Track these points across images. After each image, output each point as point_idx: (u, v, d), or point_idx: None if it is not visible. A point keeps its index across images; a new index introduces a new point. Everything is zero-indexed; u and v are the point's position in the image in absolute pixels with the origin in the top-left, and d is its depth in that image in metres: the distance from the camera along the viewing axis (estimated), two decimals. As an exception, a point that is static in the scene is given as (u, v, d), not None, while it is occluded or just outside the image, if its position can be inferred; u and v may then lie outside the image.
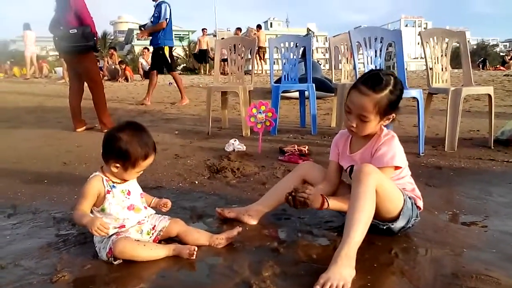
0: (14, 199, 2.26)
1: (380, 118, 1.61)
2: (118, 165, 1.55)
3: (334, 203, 1.66)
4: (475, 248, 1.61)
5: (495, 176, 2.68)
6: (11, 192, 2.38)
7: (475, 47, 53.49)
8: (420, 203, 1.76)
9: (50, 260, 1.54)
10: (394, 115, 1.65)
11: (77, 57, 4.41)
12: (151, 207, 1.73)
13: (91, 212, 1.56)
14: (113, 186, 1.58)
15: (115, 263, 1.48)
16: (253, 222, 1.88)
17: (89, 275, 1.43)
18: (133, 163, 1.55)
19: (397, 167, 1.64)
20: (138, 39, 7.25)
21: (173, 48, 7.55)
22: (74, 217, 1.54)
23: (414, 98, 3.35)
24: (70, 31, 4.25)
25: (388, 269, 1.45)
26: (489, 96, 3.50)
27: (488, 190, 2.36)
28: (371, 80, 1.60)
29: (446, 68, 3.75)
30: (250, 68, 4.91)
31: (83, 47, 4.32)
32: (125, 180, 1.62)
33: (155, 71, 7.25)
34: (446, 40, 3.71)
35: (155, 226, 1.66)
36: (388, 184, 1.58)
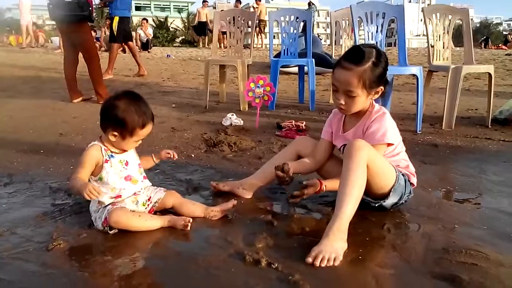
0: (10, 169, 2.26)
1: (367, 92, 1.60)
2: (116, 133, 1.55)
3: (331, 185, 1.68)
4: (466, 225, 1.63)
5: (491, 155, 2.69)
6: (7, 162, 2.38)
7: (478, 25, 52.72)
8: (414, 180, 1.77)
9: (46, 228, 1.55)
10: (382, 87, 1.63)
11: (71, 26, 4.32)
12: (157, 162, 1.78)
13: (89, 181, 1.57)
14: (111, 156, 1.58)
15: (111, 232, 1.50)
16: (248, 195, 1.89)
17: (85, 244, 1.45)
18: (130, 132, 1.55)
19: (389, 144, 1.64)
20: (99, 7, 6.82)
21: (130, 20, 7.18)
22: (69, 184, 1.54)
23: (414, 75, 3.33)
24: None
25: (380, 243, 1.48)
26: (489, 75, 3.47)
27: (483, 168, 2.38)
28: (353, 55, 1.59)
29: (447, 45, 3.70)
30: (250, 42, 4.83)
31: (78, 16, 4.23)
32: (124, 150, 1.62)
33: (113, 43, 6.95)
34: (449, 17, 3.65)
35: (150, 197, 1.67)
36: (380, 159, 1.58)
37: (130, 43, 7.31)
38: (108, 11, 5.24)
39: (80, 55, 4.51)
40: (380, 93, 1.64)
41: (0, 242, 1.44)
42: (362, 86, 1.57)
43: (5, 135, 3.03)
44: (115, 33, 6.75)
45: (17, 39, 15.87)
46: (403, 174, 1.70)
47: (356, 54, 1.58)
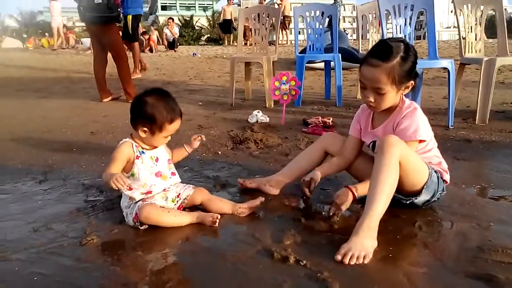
0: (45, 166, 2.34)
1: (397, 88, 1.54)
2: (145, 129, 1.57)
3: (362, 190, 1.60)
4: (503, 222, 1.57)
5: (527, 150, 2.58)
6: (42, 160, 2.47)
7: (512, 15, 50.63)
8: (447, 177, 1.71)
9: (79, 224, 1.60)
10: (412, 82, 1.57)
11: (100, 27, 4.42)
12: (190, 152, 1.83)
13: None
14: (142, 152, 1.61)
15: (141, 228, 1.53)
16: (275, 192, 1.89)
17: (116, 239, 1.48)
18: (159, 127, 1.57)
19: (421, 141, 1.59)
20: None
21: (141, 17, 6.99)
22: (102, 179, 1.57)
23: (445, 68, 3.23)
24: (95, 1, 4.26)
25: (411, 241, 1.44)
26: (526, 66, 3.32)
27: (519, 164, 2.28)
28: (379, 50, 1.53)
29: (480, 37, 3.57)
30: (275, 38, 4.81)
31: (107, 17, 4.32)
32: (154, 147, 1.65)
33: (133, 42, 6.91)
34: (481, 7, 3.51)
35: (179, 194, 1.70)
36: (413, 156, 1.54)
37: (135, 43, 7.08)
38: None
39: (109, 55, 4.62)
40: (410, 88, 1.59)
41: (36, 237, 1.50)
42: (392, 83, 1.52)
43: (40, 134, 3.14)
44: (130, 31, 6.68)
45: (49, 41, 16.42)
46: (435, 171, 1.65)
47: (383, 50, 1.53)
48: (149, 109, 1.56)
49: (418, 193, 1.61)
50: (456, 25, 3.68)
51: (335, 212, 1.59)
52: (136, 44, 6.99)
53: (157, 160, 1.65)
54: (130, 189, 1.58)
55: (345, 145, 1.84)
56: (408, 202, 1.63)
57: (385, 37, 3.72)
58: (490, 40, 8.95)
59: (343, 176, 2.01)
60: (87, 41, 13.73)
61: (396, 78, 1.52)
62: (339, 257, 1.28)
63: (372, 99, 1.58)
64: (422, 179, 1.59)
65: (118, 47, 4.60)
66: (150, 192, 1.61)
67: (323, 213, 1.63)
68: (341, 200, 1.59)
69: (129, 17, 6.58)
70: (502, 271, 1.21)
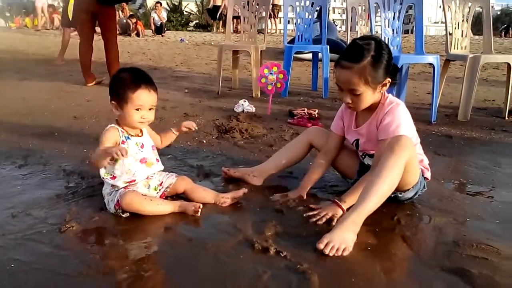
0: (25, 150, 2.30)
1: (372, 87, 1.53)
2: (114, 102, 1.58)
3: (351, 200, 1.54)
4: (478, 218, 1.61)
5: (506, 147, 2.64)
6: (22, 144, 2.42)
7: (498, 12, 51.23)
8: (428, 174, 1.74)
9: (59, 210, 1.58)
10: (389, 79, 1.57)
11: (108, 9, 4.45)
12: (176, 135, 1.81)
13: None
14: (128, 138, 1.60)
15: (123, 215, 1.53)
16: (258, 183, 1.89)
17: (97, 227, 1.47)
18: (125, 99, 1.55)
19: None
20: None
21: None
22: (92, 158, 1.56)
23: (430, 64, 3.26)
24: None
25: (390, 235, 1.47)
26: (508, 65, 3.38)
27: (498, 161, 2.34)
28: (350, 52, 1.53)
29: (466, 34, 3.61)
30: (264, 27, 4.78)
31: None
32: (139, 135, 1.63)
33: (67, 27, 6.57)
34: (469, 4, 3.55)
35: (162, 182, 1.69)
36: (415, 159, 1.56)
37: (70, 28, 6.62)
38: None
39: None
40: (388, 85, 1.59)
41: (15, 223, 1.48)
42: (365, 83, 1.51)
43: (20, 117, 3.07)
44: (70, 16, 6.00)
45: (33, 21, 15.98)
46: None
47: (353, 51, 1.53)
48: (115, 83, 1.58)
49: (405, 190, 1.63)
50: (443, 20, 3.71)
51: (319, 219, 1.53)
52: (68, 29, 6.55)
53: (142, 146, 1.63)
54: (114, 177, 1.57)
55: (328, 143, 1.84)
56: (392, 195, 1.65)
57: (374, 30, 3.74)
58: (476, 36, 9.07)
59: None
60: (71, 22, 13.40)
61: (369, 79, 1.51)
62: (321, 246, 1.30)
63: (349, 100, 1.58)
64: (414, 180, 1.61)
65: (115, 30, 4.68)
66: (133, 180, 1.60)
67: (309, 219, 1.54)
68: (327, 215, 1.53)
69: (71, 1, 5.70)
70: (475, 266, 1.25)
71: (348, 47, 1.57)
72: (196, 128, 1.80)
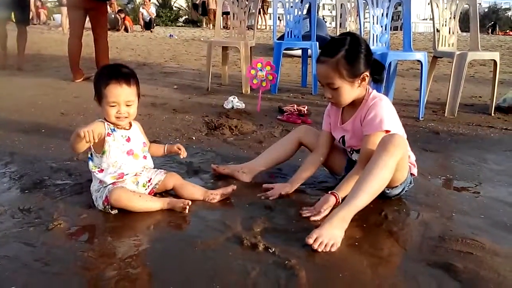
0: (12, 147, 2.27)
1: (348, 81, 1.56)
2: (95, 98, 1.58)
3: (344, 192, 1.55)
4: (464, 213, 1.64)
5: (492, 143, 2.69)
6: (8, 140, 2.39)
7: (486, 10, 51.81)
8: (414, 170, 1.76)
9: (46, 208, 1.57)
10: (366, 74, 1.59)
11: (101, 5, 4.48)
12: (166, 153, 1.79)
13: (92, 158, 1.59)
14: (114, 130, 1.59)
15: (112, 212, 1.52)
16: (247, 179, 1.90)
17: (85, 224, 1.46)
18: (99, 93, 1.56)
19: (387, 131, 1.57)
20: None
21: None
22: (69, 143, 1.55)
23: (418, 61, 3.30)
24: None
25: (377, 230, 1.49)
26: (495, 62, 3.43)
27: (484, 157, 2.38)
28: (326, 47, 1.59)
29: (453, 31, 3.65)
30: (253, 23, 4.77)
31: None
32: (125, 129, 1.62)
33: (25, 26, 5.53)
34: (456, 1, 3.58)
35: (151, 179, 1.68)
36: (406, 157, 1.58)
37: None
38: None
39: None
40: (368, 79, 1.60)
41: (1, 220, 1.46)
42: (340, 76, 1.55)
43: (7, 113, 3.03)
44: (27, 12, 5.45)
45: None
46: None
47: (329, 46, 1.59)
48: (95, 79, 1.59)
49: (393, 186, 1.64)
50: (432, 17, 3.74)
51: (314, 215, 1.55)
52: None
53: (128, 140, 1.62)
54: (101, 170, 1.57)
55: (319, 141, 1.84)
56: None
57: (362, 27, 3.76)
58: (464, 33, 9.17)
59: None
60: (58, 18, 13.22)
61: (344, 72, 1.54)
62: (310, 241, 1.31)
63: (330, 95, 1.62)
64: (403, 178, 1.63)
65: (106, 26, 4.70)
66: (121, 175, 1.59)
67: (303, 213, 1.57)
68: (323, 207, 1.54)
69: None
70: (460, 260, 1.27)
71: (326, 43, 1.62)
72: (184, 155, 1.77)
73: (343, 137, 1.75)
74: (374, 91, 1.68)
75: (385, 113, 1.59)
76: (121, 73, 1.56)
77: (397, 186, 1.65)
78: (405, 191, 1.73)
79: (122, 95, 1.54)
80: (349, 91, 1.59)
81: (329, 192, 1.59)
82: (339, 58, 1.53)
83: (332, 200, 1.56)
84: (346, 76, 1.55)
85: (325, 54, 1.57)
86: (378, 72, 1.65)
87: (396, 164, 1.47)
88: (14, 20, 5.32)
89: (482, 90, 4.52)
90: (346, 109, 1.72)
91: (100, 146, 1.57)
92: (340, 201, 1.54)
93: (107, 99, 1.53)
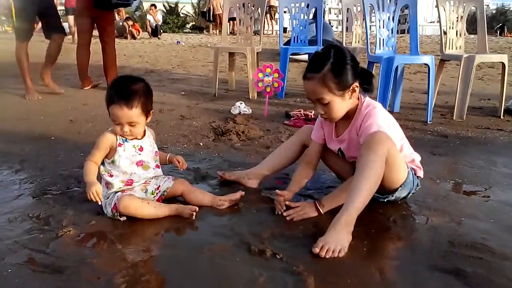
0: (22, 155, 2.30)
1: (338, 94, 1.54)
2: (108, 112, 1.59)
3: (329, 204, 1.59)
4: (473, 218, 1.62)
5: (502, 146, 2.66)
6: (18, 148, 2.42)
7: (494, 11, 51.47)
8: (421, 173, 1.73)
9: (56, 215, 1.58)
10: (356, 85, 1.56)
11: (109, 14, 4.55)
12: (167, 163, 1.79)
13: (103, 163, 1.61)
14: (126, 140, 1.61)
15: (121, 219, 1.53)
16: (253, 185, 1.90)
17: (94, 231, 1.47)
18: (108, 108, 1.56)
19: None
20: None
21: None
22: (84, 167, 1.57)
23: (426, 64, 3.28)
24: None
25: (385, 235, 1.48)
26: (503, 64, 3.40)
27: (493, 160, 2.35)
28: (311, 63, 1.57)
29: (461, 33, 3.63)
30: (259, 29, 4.79)
31: (122, 4, 4.62)
32: (137, 138, 1.63)
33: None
34: (463, 4, 3.57)
35: (159, 186, 1.70)
36: (397, 154, 1.55)
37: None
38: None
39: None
40: (358, 90, 1.58)
41: (11, 227, 1.48)
42: (329, 91, 1.52)
43: (17, 121, 3.07)
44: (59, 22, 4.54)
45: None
46: (410, 169, 1.67)
47: (313, 62, 1.56)
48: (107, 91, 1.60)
49: (394, 190, 1.63)
50: (439, 20, 3.73)
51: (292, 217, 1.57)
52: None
53: (141, 149, 1.63)
54: (111, 175, 1.60)
55: (309, 152, 1.83)
56: (385, 200, 1.66)
57: (368, 31, 3.75)
58: (472, 36, 9.10)
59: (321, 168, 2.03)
60: (65, 26, 13.35)
61: (332, 86, 1.52)
62: (316, 250, 1.31)
63: (321, 111, 1.60)
64: (402, 178, 1.61)
65: (113, 34, 4.73)
66: (130, 181, 1.61)
67: (278, 212, 1.61)
68: (303, 213, 1.58)
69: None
70: (470, 265, 1.26)
71: (310, 59, 1.60)
72: (184, 168, 1.78)
73: (340, 149, 1.73)
74: (367, 98, 1.65)
75: (380, 120, 1.56)
76: (125, 93, 1.53)
77: (400, 187, 1.62)
78: (412, 193, 1.71)
79: (124, 117, 1.54)
80: (341, 104, 1.57)
81: (315, 201, 1.61)
82: (326, 72, 1.51)
83: (314, 213, 1.59)
84: (335, 90, 1.53)
85: (311, 70, 1.55)
86: (368, 81, 1.62)
87: (385, 159, 1.45)
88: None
89: (490, 93, 4.48)
90: (339, 121, 1.67)
91: (111, 154, 1.60)
92: (321, 211, 1.58)
93: (111, 117, 1.56)
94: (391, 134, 1.54)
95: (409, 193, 1.68)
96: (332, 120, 1.65)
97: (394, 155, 1.51)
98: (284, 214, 1.58)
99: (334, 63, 1.52)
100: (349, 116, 1.64)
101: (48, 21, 4.22)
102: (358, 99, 1.63)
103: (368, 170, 1.43)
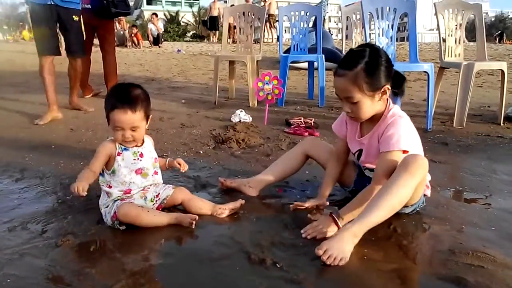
0: (22, 164, 2.30)
1: (368, 95, 1.51)
2: (106, 118, 1.58)
3: (349, 217, 1.50)
4: (474, 226, 1.62)
5: (502, 154, 2.66)
6: (19, 157, 2.42)
7: (493, 19, 51.69)
8: (428, 192, 1.71)
9: (56, 224, 1.58)
10: (387, 87, 1.53)
11: (110, 23, 4.61)
12: (167, 168, 1.78)
13: (102, 173, 1.61)
14: (125, 149, 1.60)
15: (121, 228, 1.53)
16: (254, 193, 1.90)
17: (93, 240, 1.46)
18: (107, 117, 1.57)
19: (404, 151, 1.51)
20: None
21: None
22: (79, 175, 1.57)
23: (425, 72, 3.29)
24: None
25: (386, 243, 1.47)
26: (502, 71, 3.41)
27: (493, 168, 2.35)
28: (345, 60, 1.54)
29: (459, 41, 3.65)
30: (260, 37, 4.82)
31: (124, 13, 4.67)
32: (137, 146, 1.63)
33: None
34: (462, 12, 3.59)
35: (159, 194, 1.69)
36: (425, 180, 1.55)
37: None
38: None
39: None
40: (388, 92, 1.55)
41: (11, 237, 1.47)
42: (359, 90, 1.49)
43: (17, 130, 3.08)
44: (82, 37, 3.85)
45: (30, 34, 16.02)
46: None
47: (347, 59, 1.53)
48: (105, 99, 1.59)
49: (406, 206, 1.60)
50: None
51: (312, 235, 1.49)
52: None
53: (141, 155, 1.63)
54: (110, 186, 1.59)
55: (337, 149, 1.82)
56: None
57: (367, 39, 3.77)
58: (472, 43, 9.14)
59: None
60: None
61: (363, 86, 1.49)
62: (320, 252, 1.30)
63: (348, 110, 1.57)
64: (418, 198, 1.61)
65: (114, 43, 4.79)
66: (129, 190, 1.61)
67: (302, 233, 1.52)
68: (322, 229, 1.49)
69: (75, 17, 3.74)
70: (472, 274, 1.25)
71: (344, 56, 1.57)
72: (185, 169, 1.77)
73: (360, 150, 1.71)
74: (395, 106, 1.62)
75: (403, 132, 1.53)
76: (127, 98, 1.54)
77: (408, 206, 1.62)
78: (416, 210, 1.70)
79: (127, 122, 1.54)
80: (369, 105, 1.54)
81: (332, 214, 1.51)
82: (359, 71, 1.48)
83: (333, 228, 1.49)
84: (366, 90, 1.50)
85: (344, 67, 1.51)
86: (399, 84, 1.60)
87: (415, 185, 1.43)
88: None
89: (490, 100, 4.49)
90: (365, 122, 1.64)
91: (110, 164, 1.60)
92: (340, 224, 1.48)
93: (112, 123, 1.56)
94: (414, 148, 1.53)
95: (413, 210, 1.67)
96: (358, 120, 1.62)
97: (424, 180, 1.50)
98: (301, 231, 1.51)
99: (368, 63, 1.49)
100: (374, 119, 1.61)
101: (66, 37, 3.75)
102: (387, 103, 1.60)
103: (397, 191, 1.40)
